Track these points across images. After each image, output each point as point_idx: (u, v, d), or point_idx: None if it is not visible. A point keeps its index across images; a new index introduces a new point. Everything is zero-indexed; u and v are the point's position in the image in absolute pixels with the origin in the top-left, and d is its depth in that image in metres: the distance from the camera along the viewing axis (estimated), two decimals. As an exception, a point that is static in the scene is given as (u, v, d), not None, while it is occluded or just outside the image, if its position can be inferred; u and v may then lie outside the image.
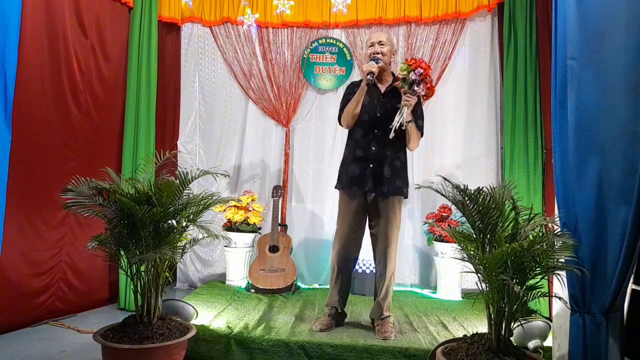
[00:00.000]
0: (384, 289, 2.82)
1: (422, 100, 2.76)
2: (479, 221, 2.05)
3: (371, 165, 2.77)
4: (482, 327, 2.76)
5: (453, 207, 3.69)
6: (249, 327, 2.82)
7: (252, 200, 4.03)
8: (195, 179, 2.47)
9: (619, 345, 1.95)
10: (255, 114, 4.39)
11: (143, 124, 3.67)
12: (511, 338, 1.99)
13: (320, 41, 4.30)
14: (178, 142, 4.33)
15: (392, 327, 2.81)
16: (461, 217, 3.59)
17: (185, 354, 2.40)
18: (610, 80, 1.94)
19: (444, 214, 3.82)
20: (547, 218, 2.16)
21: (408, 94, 2.62)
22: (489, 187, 2.09)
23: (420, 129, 2.81)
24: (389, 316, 2.85)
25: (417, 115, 2.78)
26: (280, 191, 4.03)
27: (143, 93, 3.69)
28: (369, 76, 2.69)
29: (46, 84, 3.14)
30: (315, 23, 4.26)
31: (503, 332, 1.95)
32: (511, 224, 2.09)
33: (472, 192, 2.04)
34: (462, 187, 2.07)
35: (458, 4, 4.04)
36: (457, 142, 4.18)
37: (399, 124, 2.65)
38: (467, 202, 2.06)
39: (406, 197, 2.87)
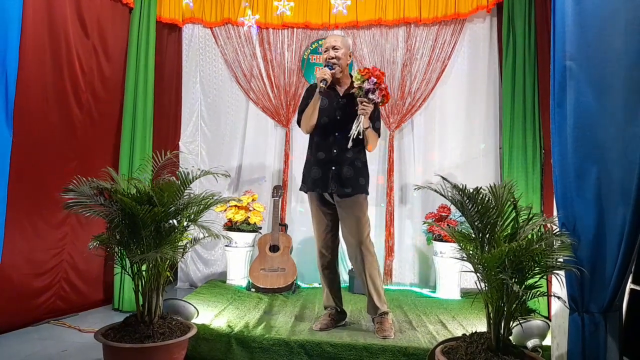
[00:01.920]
0: (369, 283, 2.82)
1: (379, 106, 2.78)
2: (477, 221, 2.06)
3: (333, 168, 2.80)
4: (481, 326, 2.77)
5: (452, 207, 3.70)
6: (249, 326, 2.83)
7: (253, 200, 4.04)
8: (195, 179, 2.48)
9: (618, 344, 1.95)
10: (255, 114, 4.40)
11: (140, 125, 3.67)
12: (510, 337, 2.00)
13: (320, 42, 4.30)
14: (180, 143, 4.34)
15: (392, 326, 2.82)
16: (460, 216, 3.60)
17: (186, 353, 2.41)
18: (609, 80, 1.93)
19: (443, 214, 3.84)
20: (547, 218, 2.16)
21: (364, 102, 2.66)
22: (488, 187, 2.10)
23: (377, 130, 2.86)
24: (388, 313, 2.85)
25: (374, 117, 2.82)
26: (280, 191, 4.04)
27: (140, 94, 3.69)
28: (321, 83, 2.69)
29: (48, 84, 3.15)
30: (315, 24, 4.27)
31: (502, 331, 1.96)
32: (510, 224, 2.10)
33: (471, 191, 2.05)
34: (461, 187, 2.08)
35: (457, 5, 4.05)
36: (457, 142, 4.20)
37: (357, 133, 2.70)
38: (466, 201, 2.07)
39: (368, 193, 2.89)
